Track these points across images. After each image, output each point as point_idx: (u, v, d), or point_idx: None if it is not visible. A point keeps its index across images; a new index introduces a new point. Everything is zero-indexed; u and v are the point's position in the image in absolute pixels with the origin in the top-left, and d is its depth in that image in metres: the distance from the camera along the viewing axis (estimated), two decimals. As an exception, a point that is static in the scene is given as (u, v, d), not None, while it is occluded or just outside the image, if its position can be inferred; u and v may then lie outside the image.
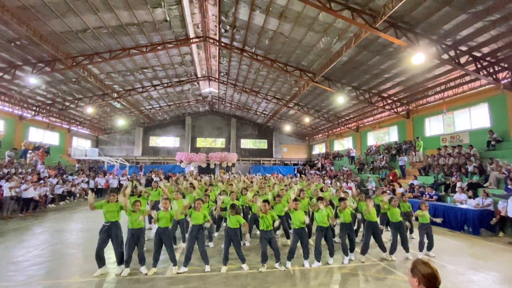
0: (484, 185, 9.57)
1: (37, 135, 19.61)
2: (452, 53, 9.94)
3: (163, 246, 5.13)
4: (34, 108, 17.88)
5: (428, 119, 15.50)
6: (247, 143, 31.38)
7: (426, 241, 6.18)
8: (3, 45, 11.16)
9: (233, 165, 24.99)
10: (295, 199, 5.66)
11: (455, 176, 10.73)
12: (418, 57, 9.57)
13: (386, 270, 5.36)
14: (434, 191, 10.65)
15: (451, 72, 11.95)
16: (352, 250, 5.84)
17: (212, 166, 23.90)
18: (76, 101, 18.40)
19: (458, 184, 10.06)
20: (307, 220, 5.54)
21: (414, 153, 15.15)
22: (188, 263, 5.12)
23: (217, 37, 14.02)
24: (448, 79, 12.73)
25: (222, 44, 14.22)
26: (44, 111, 18.37)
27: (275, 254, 5.32)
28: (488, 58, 10.26)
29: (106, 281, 4.72)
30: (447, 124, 14.48)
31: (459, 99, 13.13)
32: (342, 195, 6.81)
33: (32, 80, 13.52)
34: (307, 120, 24.30)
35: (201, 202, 5.54)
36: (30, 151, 16.60)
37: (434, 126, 15.29)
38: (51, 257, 5.90)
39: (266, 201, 5.58)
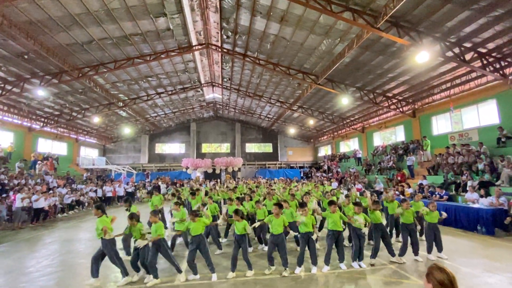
0: (496, 183, 9.35)
1: (46, 146, 19.97)
2: (456, 50, 9.82)
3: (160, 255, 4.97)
4: (42, 119, 18.25)
5: (435, 118, 15.27)
6: (252, 147, 31.38)
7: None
8: (12, 59, 11.46)
9: (239, 169, 24.99)
10: (303, 205, 5.58)
11: (466, 174, 10.52)
12: (422, 56, 9.47)
13: (397, 273, 5.24)
14: (444, 191, 10.44)
15: (457, 69, 11.79)
16: (360, 258, 5.61)
17: (217, 172, 23.93)
18: (83, 111, 18.72)
19: (469, 183, 9.86)
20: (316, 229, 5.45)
21: (422, 153, 14.92)
22: (196, 270, 5.05)
23: (219, 44, 14.15)
24: (453, 76, 12.55)
25: (224, 50, 14.34)
26: (52, 122, 18.72)
27: (282, 260, 5.24)
28: (494, 54, 10.10)
29: (115, 290, 4.72)
30: (455, 122, 14.24)
31: (466, 96, 12.91)
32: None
33: (40, 92, 13.82)
34: (311, 122, 24.21)
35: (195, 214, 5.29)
36: (39, 162, 16.90)
37: (441, 125, 15.05)
38: (61, 267, 5.94)
39: (277, 204, 5.50)
